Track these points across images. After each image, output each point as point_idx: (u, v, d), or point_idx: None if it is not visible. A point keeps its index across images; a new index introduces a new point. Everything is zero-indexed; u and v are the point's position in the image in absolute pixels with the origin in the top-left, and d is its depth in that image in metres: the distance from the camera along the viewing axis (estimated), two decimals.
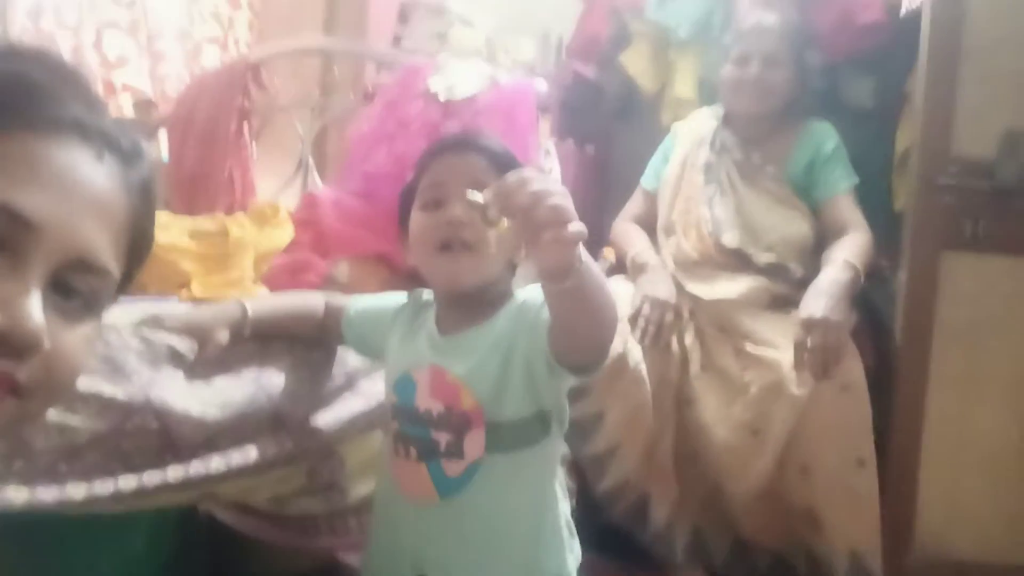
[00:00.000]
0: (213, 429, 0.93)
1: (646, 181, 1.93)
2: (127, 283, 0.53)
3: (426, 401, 0.92)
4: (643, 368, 1.64)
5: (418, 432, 0.92)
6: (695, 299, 1.72)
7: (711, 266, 1.74)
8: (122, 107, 2.20)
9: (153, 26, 2.28)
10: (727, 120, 1.84)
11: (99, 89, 2.11)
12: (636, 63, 2.19)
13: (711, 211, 1.77)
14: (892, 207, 1.89)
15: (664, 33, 2.12)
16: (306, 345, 1.10)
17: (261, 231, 1.60)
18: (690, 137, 1.86)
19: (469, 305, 0.94)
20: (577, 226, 0.65)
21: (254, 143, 2.16)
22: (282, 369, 1.05)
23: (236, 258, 1.49)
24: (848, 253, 1.63)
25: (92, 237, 0.46)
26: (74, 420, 0.80)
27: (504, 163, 0.93)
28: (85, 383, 0.81)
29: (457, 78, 1.64)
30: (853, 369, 1.53)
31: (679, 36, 2.08)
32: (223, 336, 1.00)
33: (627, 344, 1.64)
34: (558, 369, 0.85)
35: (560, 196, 0.65)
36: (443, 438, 0.90)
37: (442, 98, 1.60)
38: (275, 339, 1.07)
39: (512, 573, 0.92)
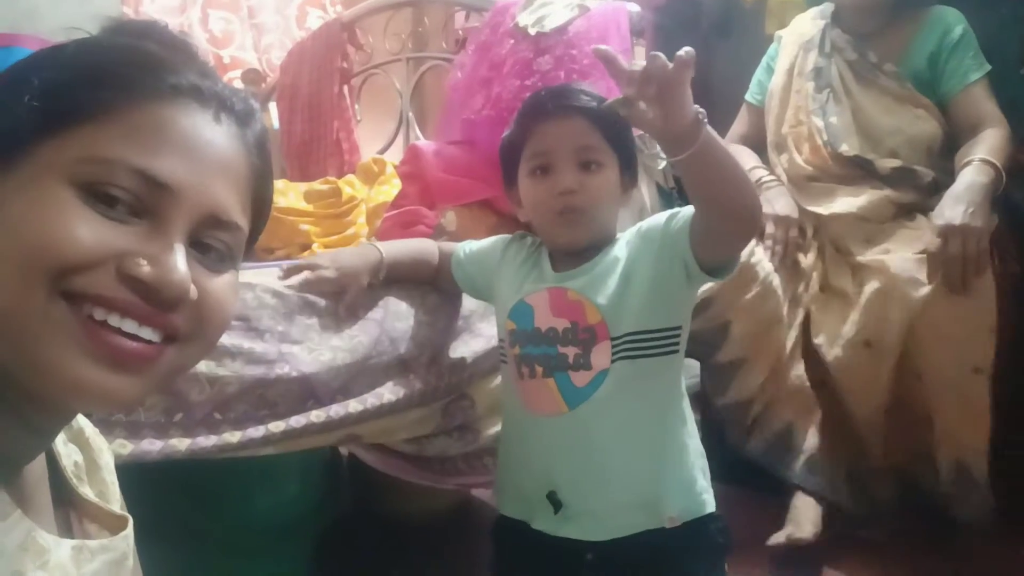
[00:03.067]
0: (346, 374, 0.98)
1: (751, 95, 1.84)
2: (255, 237, 0.57)
3: (548, 320, 0.96)
4: (775, 281, 1.59)
5: (543, 350, 0.96)
6: (815, 216, 1.65)
7: (829, 179, 1.66)
8: (232, 82, 2.31)
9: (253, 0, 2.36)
10: (836, 17, 1.71)
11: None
12: None
13: (824, 120, 1.67)
14: None
15: None
16: (422, 290, 1.14)
17: (370, 188, 1.66)
18: (796, 42, 1.75)
19: (582, 251, 0.99)
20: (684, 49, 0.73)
21: (356, 104, 2.22)
22: (402, 314, 1.09)
23: (350, 216, 1.55)
24: (985, 151, 1.50)
25: (222, 195, 0.50)
26: (223, 372, 0.87)
27: (605, 119, 0.96)
28: (228, 338, 0.88)
29: (545, 10, 1.60)
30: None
31: None
32: (365, 280, 1.06)
33: (755, 254, 1.59)
34: (696, 273, 0.91)
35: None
36: (571, 352, 0.94)
37: (532, 32, 1.57)
38: (393, 285, 1.11)
39: (638, 483, 0.94)
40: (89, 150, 0.45)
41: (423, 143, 1.74)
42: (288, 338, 0.95)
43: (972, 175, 1.47)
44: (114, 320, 0.45)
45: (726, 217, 0.85)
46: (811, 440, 1.60)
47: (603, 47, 0.80)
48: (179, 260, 0.47)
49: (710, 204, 0.85)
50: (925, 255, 1.45)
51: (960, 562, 1.48)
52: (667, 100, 0.75)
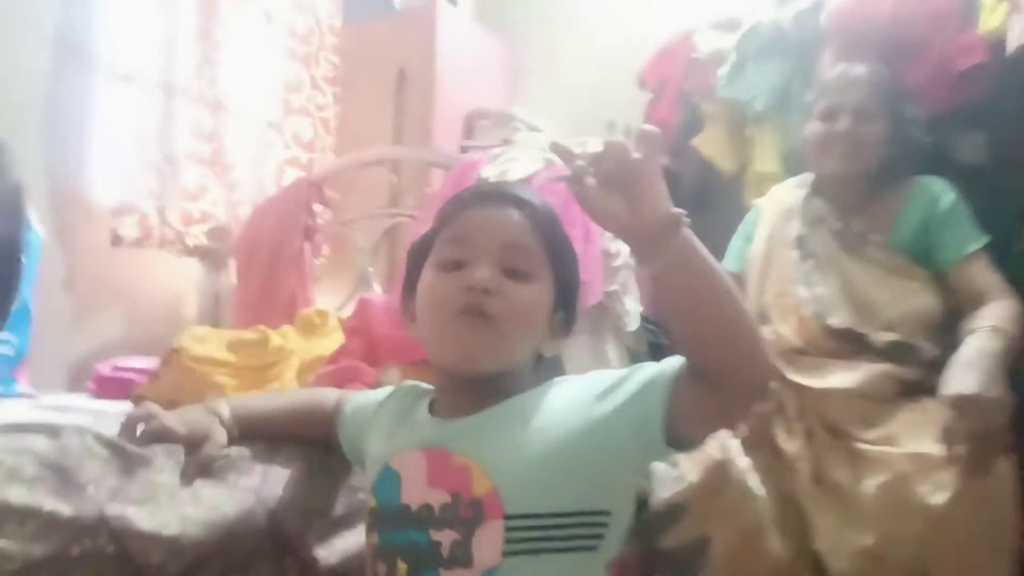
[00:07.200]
0: (192, 553, 0.75)
1: (728, 263, 1.71)
2: None
3: (420, 494, 0.71)
4: (752, 479, 1.38)
5: (409, 538, 0.71)
6: (801, 392, 1.46)
7: (819, 354, 1.49)
8: (198, 236, 2.19)
9: (229, 156, 2.30)
10: (818, 187, 1.63)
11: (177, 220, 2.11)
12: (711, 145, 2.04)
13: (811, 290, 1.53)
14: None
15: (739, 109, 1.98)
16: (324, 448, 0.93)
17: (307, 340, 1.50)
18: (775, 210, 1.66)
19: (477, 391, 0.75)
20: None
21: (316, 260, 2.13)
22: (293, 478, 0.88)
23: (276, 368, 1.38)
24: (996, 319, 1.34)
25: None
26: (2, 543, 0.64)
27: (545, 219, 0.79)
28: (18, 495, 0.65)
29: (510, 164, 1.53)
30: (998, 472, 1.22)
31: (755, 109, 1.92)
32: (221, 436, 0.84)
33: (727, 449, 1.40)
34: (656, 442, 0.68)
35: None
36: (447, 538, 0.68)
37: None
38: (286, 441, 0.90)
39: None
40: None
41: (374, 296, 1.61)
42: (121, 495, 0.72)
43: (981, 340, 1.30)
44: None
45: (718, 355, 0.65)
46: None
47: (560, 142, 0.68)
48: None
49: (695, 336, 0.65)
50: (941, 449, 1.24)
51: None
52: (634, 186, 0.62)
